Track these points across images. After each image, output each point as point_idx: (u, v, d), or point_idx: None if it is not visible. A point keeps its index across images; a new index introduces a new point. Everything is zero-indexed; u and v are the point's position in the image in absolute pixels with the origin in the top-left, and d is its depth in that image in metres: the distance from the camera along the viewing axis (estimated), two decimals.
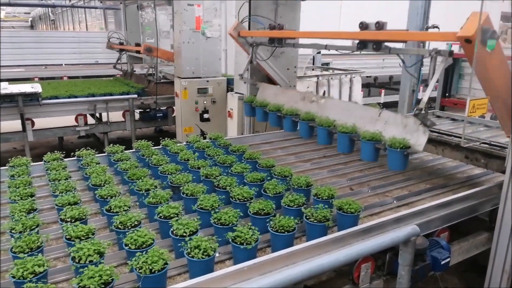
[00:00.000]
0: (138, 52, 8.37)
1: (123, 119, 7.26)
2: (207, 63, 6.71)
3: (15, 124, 6.17)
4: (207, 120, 6.68)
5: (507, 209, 2.95)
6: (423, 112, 2.83)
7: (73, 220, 2.44)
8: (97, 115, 7.25)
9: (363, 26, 3.29)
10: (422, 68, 7.46)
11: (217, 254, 2.34)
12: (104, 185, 2.98)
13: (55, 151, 3.72)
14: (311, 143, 4.89)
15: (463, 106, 3.50)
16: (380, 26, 3.17)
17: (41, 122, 6.59)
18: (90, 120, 7.06)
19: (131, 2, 9.61)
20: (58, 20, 26.53)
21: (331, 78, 8.49)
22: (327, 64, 10.03)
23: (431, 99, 5.20)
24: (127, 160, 3.58)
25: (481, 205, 3.20)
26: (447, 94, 7.33)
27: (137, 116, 7.45)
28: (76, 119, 6.81)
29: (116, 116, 7.27)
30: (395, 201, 3.19)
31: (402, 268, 2.48)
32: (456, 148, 3.84)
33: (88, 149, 3.78)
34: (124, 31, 9.96)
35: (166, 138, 4.11)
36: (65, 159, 3.72)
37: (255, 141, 4.76)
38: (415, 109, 2.87)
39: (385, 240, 2.36)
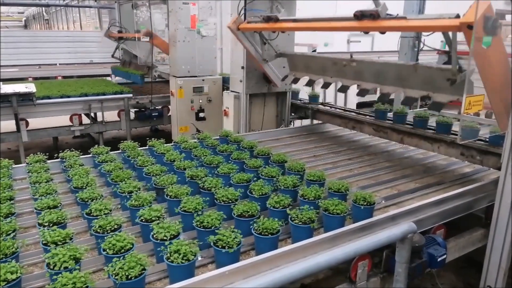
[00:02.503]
0: (137, 39, 8.25)
1: (118, 119, 7.22)
2: (202, 62, 6.68)
3: (9, 125, 6.12)
4: (203, 119, 6.65)
5: (503, 206, 2.95)
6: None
7: (51, 225, 2.36)
8: (92, 114, 7.20)
9: (359, 16, 3.16)
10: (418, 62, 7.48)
11: (199, 258, 2.30)
12: (85, 188, 2.90)
13: (44, 153, 3.65)
14: (305, 142, 4.89)
15: (459, 103, 3.50)
16: (376, 15, 3.05)
17: (35, 122, 6.55)
18: (85, 120, 7.02)
19: (125, 1, 9.55)
20: (52, 19, 26.35)
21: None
22: None
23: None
24: (111, 162, 3.50)
25: (477, 201, 3.20)
26: None
27: (132, 115, 7.41)
28: (70, 119, 6.76)
29: (111, 115, 7.23)
30: (383, 201, 3.18)
31: (399, 265, 2.48)
32: (451, 145, 3.84)
33: (73, 151, 3.71)
34: None
35: (153, 139, 4.04)
36: (50, 161, 3.63)
37: (250, 140, 4.73)
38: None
39: (381, 238, 2.36)
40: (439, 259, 2.72)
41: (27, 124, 6.32)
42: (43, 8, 24.82)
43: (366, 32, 3.46)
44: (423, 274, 2.76)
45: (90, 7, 17.48)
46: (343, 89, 4.34)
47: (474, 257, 3.46)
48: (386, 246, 2.50)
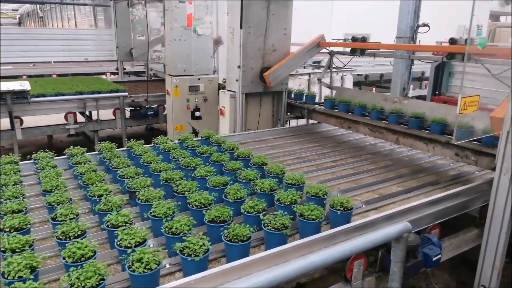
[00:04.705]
0: None
1: (113, 117, 7.19)
2: (198, 61, 6.67)
3: (3, 122, 6.07)
4: (199, 118, 6.65)
5: (497, 206, 2.98)
6: None
7: (12, 230, 2.24)
8: (87, 113, 7.16)
9: (452, 41, 3.91)
10: (412, 66, 7.53)
11: (167, 266, 2.25)
12: (54, 191, 2.79)
13: (19, 153, 3.58)
14: (294, 143, 4.86)
15: (454, 104, 3.52)
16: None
17: (30, 120, 6.50)
18: (80, 118, 6.97)
19: None
20: (47, 17, 26.20)
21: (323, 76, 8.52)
22: (319, 62, 10.03)
23: (421, 97, 5.26)
24: (85, 164, 3.38)
25: (471, 202, 3.23)
26: (437, 92, 7.40)
27: (128, 114, 7.38)
28: (65, 117, 6.71)
29: (106, 114, 7.20)
30: (363, 205, 3.15)
31: (394, 264, 2.49)
32: (446, 145, 3.87)
33: (47, 151, 3.61)
34: (114, 29, 9.86)
35: (132, 139, 3.97)
36: (22, 162, 3.53)
37: (246, 139, 4.75)
38: None
39: (377, 237, 2.37)
40: (434, 259, 2.73)
41: (21, 122, 6.27)
42: (38, 5, 24.68)
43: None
44: (418, 273, 2.78)
45: (85, 5, 17.42)
46: None
47: (467, 256, 3.48)
48: (382, 245, 2.51)
